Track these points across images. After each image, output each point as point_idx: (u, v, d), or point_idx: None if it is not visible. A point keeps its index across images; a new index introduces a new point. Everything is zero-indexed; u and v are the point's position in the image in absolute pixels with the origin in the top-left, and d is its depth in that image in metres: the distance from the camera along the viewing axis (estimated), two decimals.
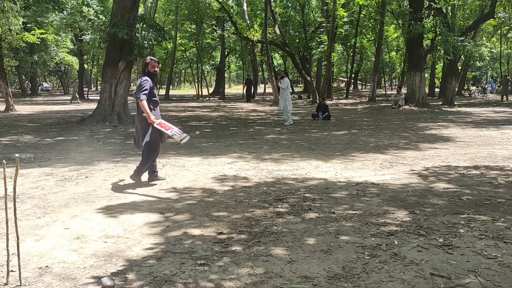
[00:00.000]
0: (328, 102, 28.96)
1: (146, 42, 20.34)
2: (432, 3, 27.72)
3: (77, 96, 40.03)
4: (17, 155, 4.33)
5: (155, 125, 7.94)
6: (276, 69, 52.13)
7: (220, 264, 4.49)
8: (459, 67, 39.05)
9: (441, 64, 46.31)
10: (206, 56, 52.26)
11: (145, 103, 7.86)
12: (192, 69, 56.37)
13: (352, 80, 56.44)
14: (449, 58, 30.01)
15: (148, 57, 8.39)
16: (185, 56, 54.80)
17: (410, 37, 28.63)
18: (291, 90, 19.74)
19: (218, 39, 48.69)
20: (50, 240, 5.26)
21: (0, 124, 20.18)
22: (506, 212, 6.15)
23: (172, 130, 8.05)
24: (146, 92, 7.95)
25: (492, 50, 56.02)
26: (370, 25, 41.66)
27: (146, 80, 8.07)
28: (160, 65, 8.65)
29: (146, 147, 8.11)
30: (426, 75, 38.43)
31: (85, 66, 52.29)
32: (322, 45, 39.25)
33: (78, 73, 52.24)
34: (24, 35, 27.77)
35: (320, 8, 45.00)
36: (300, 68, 39.93)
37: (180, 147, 12.62)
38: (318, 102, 23.81)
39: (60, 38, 45.59)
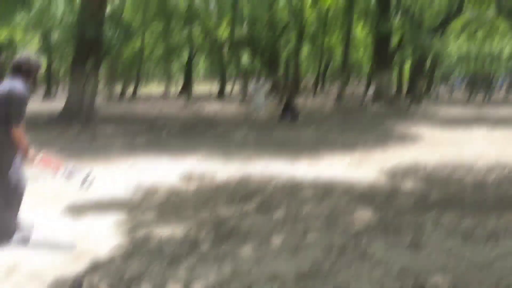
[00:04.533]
0: (295, 101, 29.04)
1: (114, 41, 20.17)
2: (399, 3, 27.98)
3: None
4: None
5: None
6: (244, 68, 52.15)
7: (187, 263, 4.45)
8: (427, 66, 39.43)
9: (409, 63, 46.79)
10: (175, 54, 52.02)
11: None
12: (160, 68, 56.08)
13: (320, 80, 56.62)
14: (417, 57, 30.31)
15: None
16: (153, 55, 54.49)
17: (378, 37, 28.83)
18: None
19: (186, 38, 48.52)
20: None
21: None
22: (474, 210, 6.21)
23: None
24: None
25: (460, 48, 56.67)
26: (338, 24, 41.83)
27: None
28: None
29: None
30: (394, 74, 38.75)
31: (53, 65, 51.69)
32: (290, 45, 39.32)
33: (46, 72, 51.64)
34: None
35: (288, 8, 45.10)
36: (267, 67, 39.93)
37: (149, 146, 12.53)
38: (285, 102, 23.77)
39: (27, 37, 44.94)
